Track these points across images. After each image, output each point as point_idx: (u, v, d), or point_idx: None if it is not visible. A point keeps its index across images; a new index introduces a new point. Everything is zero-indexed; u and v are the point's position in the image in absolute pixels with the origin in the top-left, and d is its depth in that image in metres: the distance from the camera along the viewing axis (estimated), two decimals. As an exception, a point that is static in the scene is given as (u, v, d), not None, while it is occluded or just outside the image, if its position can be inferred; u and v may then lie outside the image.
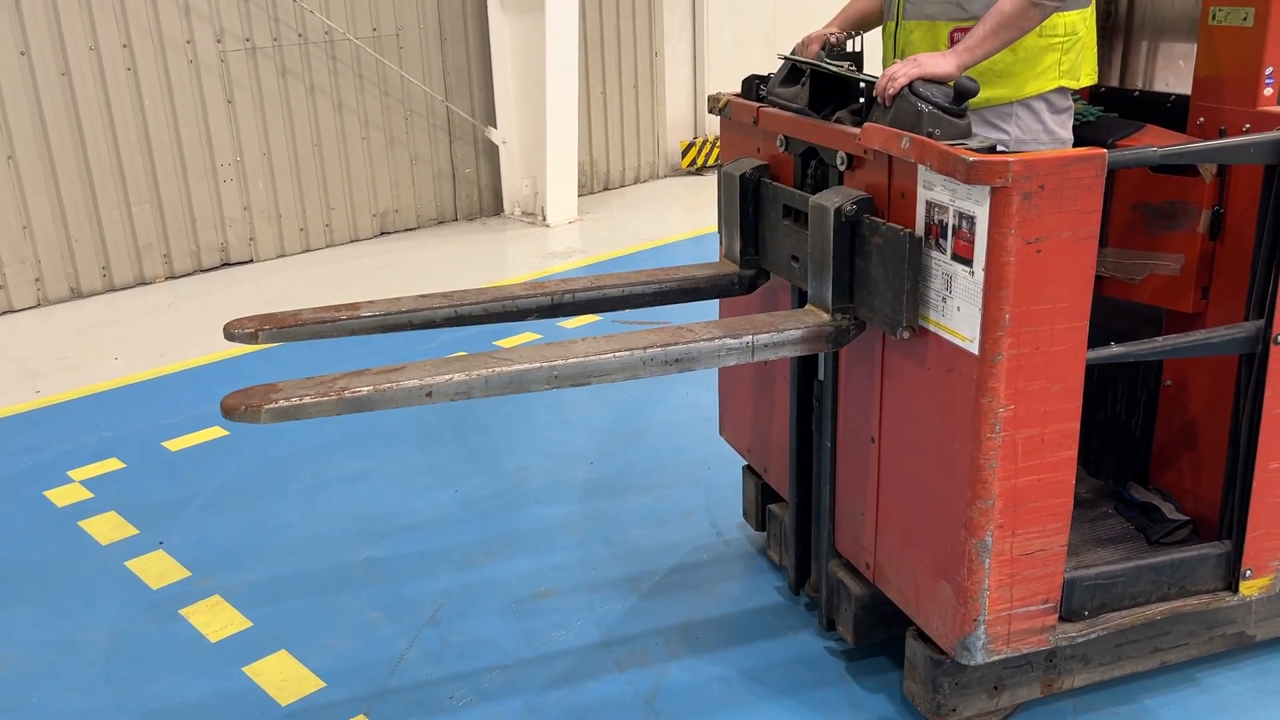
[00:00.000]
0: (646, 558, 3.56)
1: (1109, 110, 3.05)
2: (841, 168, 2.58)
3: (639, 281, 2.95)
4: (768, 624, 3.19)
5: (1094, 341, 2.31)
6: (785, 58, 2.89)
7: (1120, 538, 2.79)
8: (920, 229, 2.35)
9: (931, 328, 2.36)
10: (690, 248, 7.25)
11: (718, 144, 8.95)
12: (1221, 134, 2.59)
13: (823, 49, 2.88)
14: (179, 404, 4.90)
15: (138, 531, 3.83)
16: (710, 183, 9.05)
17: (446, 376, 2.24)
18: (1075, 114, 2.78)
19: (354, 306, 2.75)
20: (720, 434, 3.61)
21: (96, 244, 6.55)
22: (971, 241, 2.20)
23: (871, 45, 2.94)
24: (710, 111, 3.18)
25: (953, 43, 2.57)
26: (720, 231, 3.05)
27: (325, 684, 3.00)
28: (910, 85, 2.36)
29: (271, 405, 2.15)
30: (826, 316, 2.54)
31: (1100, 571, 2.56)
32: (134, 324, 6.08)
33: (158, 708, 2.94)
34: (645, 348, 2.38)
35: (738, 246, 2.96)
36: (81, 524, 3.89)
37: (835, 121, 2.66)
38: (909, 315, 2.37)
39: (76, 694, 3.00)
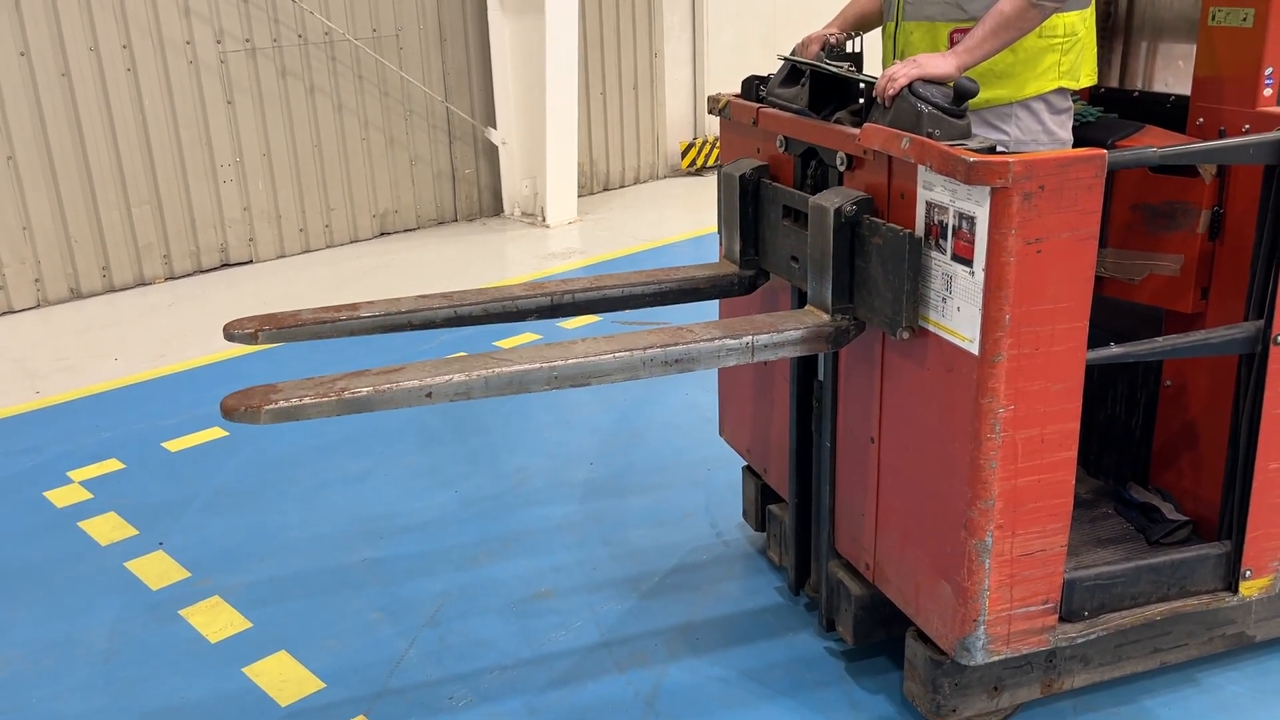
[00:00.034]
0: (646, 558, 3.56)
1: (1109, 111, 3.05)
2: (841, 168, 2.58)
3: (639, 282, 2.95)
4: (767, 624, 3.19)
5: (1094, 342, 2.31)
6: (785, 58, 2.89)
7: (1120, 538, 2.79)
8: (920, 229, 2.35)
9: (931, 328, 2.36)
10: (690, 248, 7.26)
11: (717, 144, 8.93)
12: (1221, 134, 2.59)
13: (822, 49, 2.88)
14: (179, 405, 4.90)
15: (137, 532, 3.83)
16: (710, 183, 9.05)
17: (446, 377, 2.24)
18: (1075, 115, 2.78)
19: (354, 307, 2.75)
20: (720, 434, 3.61)
21: (96, 244, 6.55)
22: (971, 242, 2.20)
23: (871, 46, 2.94)
24: (710, 112, 3.18)
25: (952, 43, 2.57)
26: (720, 232, 3.05)
27: (325, 684, 3.00)
28: (910, 86, 2.36)
29: (271, 406, 2.15)
30: (826, 317, 2.54)
31: (1100, 572, 2.56)
32: (134, 324, 6.08)
33: (157, 708, 2.94)
34: (645, 348, 2.38)
35: (737, 247, 2.96)
36: (81, 525, 3.89)
37: (835, 122, 2.66)
38: (909, 316, 2.37)
39: (76, 695, 3.00)
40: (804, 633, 3.14)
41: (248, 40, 6.88)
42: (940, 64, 2.41)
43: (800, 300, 2.77)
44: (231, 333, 2.67)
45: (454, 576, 3.50)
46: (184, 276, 6.92)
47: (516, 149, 7.94)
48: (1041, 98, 2.63)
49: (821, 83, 2.75)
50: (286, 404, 2.15)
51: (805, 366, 2.94)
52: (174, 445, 4.50)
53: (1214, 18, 2.58)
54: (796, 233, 2.71)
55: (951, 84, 2.35)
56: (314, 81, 7.21)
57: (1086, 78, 2.70)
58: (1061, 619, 2.51)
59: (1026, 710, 2.76)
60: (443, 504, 3.97)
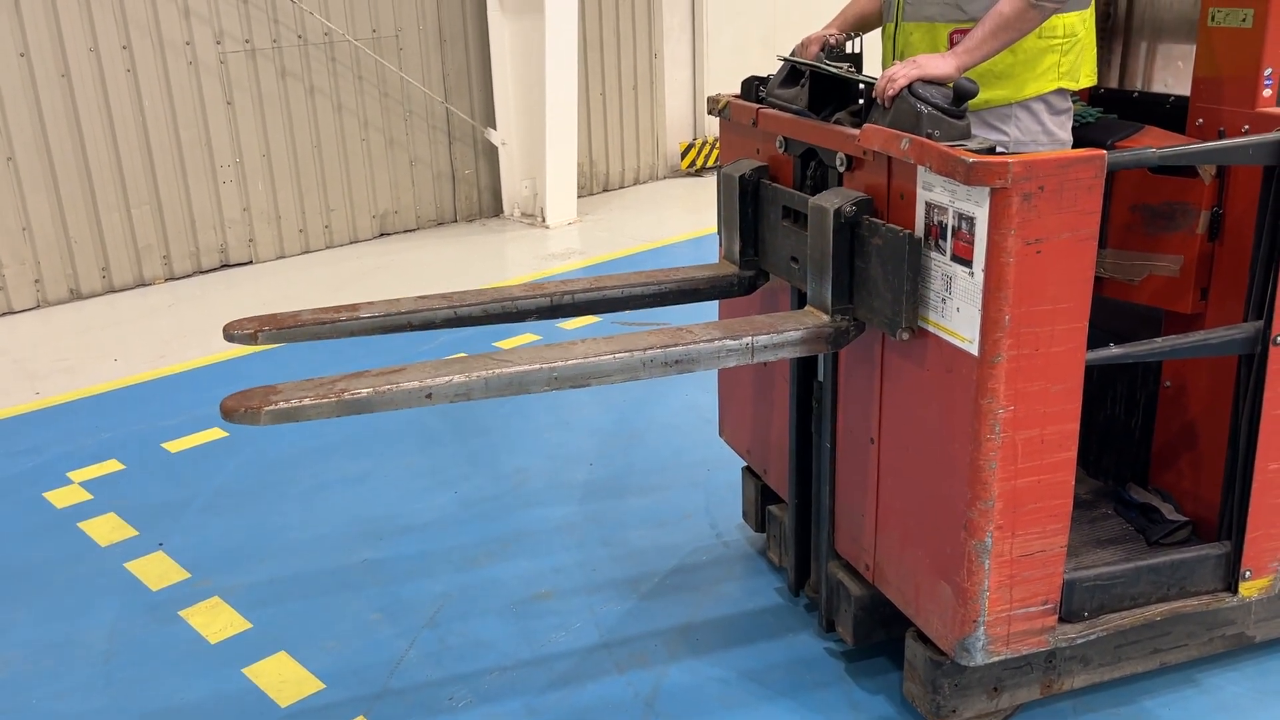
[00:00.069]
0: (646, 559, 3.56)
1: (1108, 111, 3.05)
2: (841, 169, 2.59)
3: (638, 283, 2.95)
4: (767, 625, 3.19)
5: (1093, 342, 2.31)
6: (785, 59, 2.89)
7: (1120, 539, 2.79)
8: (920, 230, 2.35)
9: (931, 329, 2.36)
10: (689, 249, 7.26)
11: (717, 145, 8.93)
12: (1220, 135, 2.60)
13: (822, 50, 2.88)
14: (178, 405, 4.90)
15: (137, 533, 3.83)
16: (709, 184, 9.05)
17: (446, 378, 2.24)
18: (1074, 115, 2.78)
19: (353, 308, 2.75)
20: (720, 435, 3.61)
21: (96, 245, 6.55)
22: (971, 242, 2.20)
23: (871, 47, 2.94)
24: (710, 113, 3.17)
25: (952, 44, 2.57)
26: (720, 233, 3.05)
27: (325, 685, 3.00)
28: (909, 86, 2.36)
29: (271, 407, 2.14)
30: (826, 318, 2.54)
31: (1100, 572, 2.56)
32: (133, 325, 6.08)
33: (157, 709, 2.94)
34: (645, 349, 2.38)
35: (737, 248, 2.96)
36: (81, 525, 3.89)
37: (834, 123, 2.66)
38: (908, 316, 2.37)
39: (76, 695, 3.00)
40: (804, 633, 3.14)
41: (247, 41, 6.88)
42: (940, 65, 2.41)
43: (800, 301, 2.77)
44: (231, 333, 2.67)
45: (454, 577, 3.50)
46: (184, 277, 6.92)
47: (516, 150, 7.95)
48: (1041, 98, 2.63)
49: (821, 83, 2.75)
50: (286, 405, 2.15)
51: (805, 367, 2.94)
52: (174, 446, 4.50)
53: (1213, 18, 2.58)
54: (796, 233, 2.71)
55: (951, 85, 2.35)
56: (314, 82, 7.21)
57: (1086, 78, 2.70)
58: (1061, 620, 2.51)
59: (1026, 711, 2.76)
60: (443, 505, 3.97)
